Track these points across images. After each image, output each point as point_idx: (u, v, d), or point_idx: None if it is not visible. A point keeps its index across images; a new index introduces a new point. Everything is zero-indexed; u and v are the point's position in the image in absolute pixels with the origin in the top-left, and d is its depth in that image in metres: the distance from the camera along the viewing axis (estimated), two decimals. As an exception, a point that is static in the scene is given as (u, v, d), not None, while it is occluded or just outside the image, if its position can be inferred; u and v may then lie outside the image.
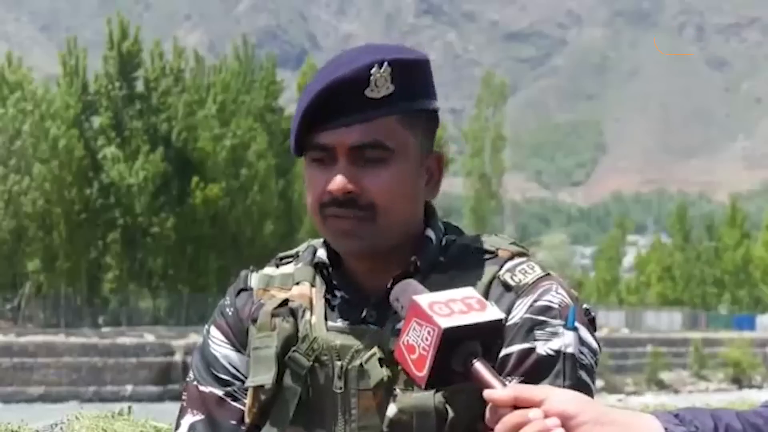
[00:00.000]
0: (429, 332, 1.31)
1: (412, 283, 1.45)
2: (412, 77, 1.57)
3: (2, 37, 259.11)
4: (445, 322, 1.31)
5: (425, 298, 1.35)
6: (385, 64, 1.52)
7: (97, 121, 43.58)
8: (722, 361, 43.37)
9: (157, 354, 31.46)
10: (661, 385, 40.40)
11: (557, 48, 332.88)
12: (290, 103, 53.44)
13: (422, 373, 1.32)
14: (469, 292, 1.38)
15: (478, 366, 1.32)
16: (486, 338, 1.35)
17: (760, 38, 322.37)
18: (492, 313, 1.36)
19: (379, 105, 1.53)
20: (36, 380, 29.60)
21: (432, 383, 1.34)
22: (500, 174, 57.42)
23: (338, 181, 1.53)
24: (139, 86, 44.46)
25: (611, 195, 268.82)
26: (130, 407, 4.95)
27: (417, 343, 1.33)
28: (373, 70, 1.52)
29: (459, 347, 1.32)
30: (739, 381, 42.14)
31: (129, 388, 29.98)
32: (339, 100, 1.52)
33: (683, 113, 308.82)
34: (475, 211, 55.79)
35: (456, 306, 1.34)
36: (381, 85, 1.53)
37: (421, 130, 1.59)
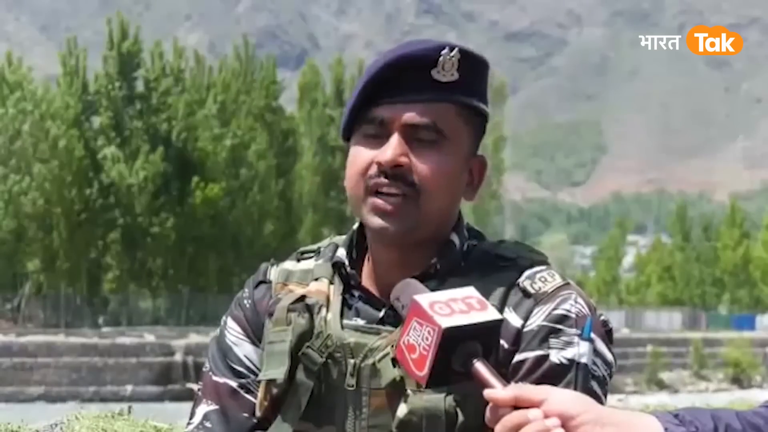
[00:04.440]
0: (429, 332, 1.31)
1: (413, 282, 1.45)
2: (476, 73, 1.57)
3: (2, 37, 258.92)
4: (446, 322, 1.30)
5: (426, 298, 1.34)
6: (456, 49, 1.53)
7: (97, 121, 43.57)
8: (722, 361, 43.29)
9: (157, 354, 31.41)
10: (661, 385, 40.32)
11: (557, 48, 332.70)
12: (290, 103, 53.35)
13: (422, 372, 1.32)
14: (470, 292, 1.37)
15: (479, 366, 1.32)
16: (486, 338, 1.34)
17: (760, 38, 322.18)
18: (492, 313, 1.35)
19: (442, 89, 1.54)
20: (36, 380, 29.55)
21: (433, 383, 1.34)
22: (500, 174, 57.40)
23: (391, 152, 1.52)
24: (139, 86, 44.44)
25: (611, 195, 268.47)
26: (130, 407, 4.96)
27: (417, 343, 1.32)
28: (443, 52, 1.52)
29: (459, 347, 1.32)
30: (739, 381, 42.05)
31: (129, 388, 29.92)
32: (404, 76, 1.53)
33: (683, 113, 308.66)
34: (475, 211, 55.72)
35: (456, 306, 1.34)
36: (448, 69, 1.53)
37: (474, 130, 1.60)
